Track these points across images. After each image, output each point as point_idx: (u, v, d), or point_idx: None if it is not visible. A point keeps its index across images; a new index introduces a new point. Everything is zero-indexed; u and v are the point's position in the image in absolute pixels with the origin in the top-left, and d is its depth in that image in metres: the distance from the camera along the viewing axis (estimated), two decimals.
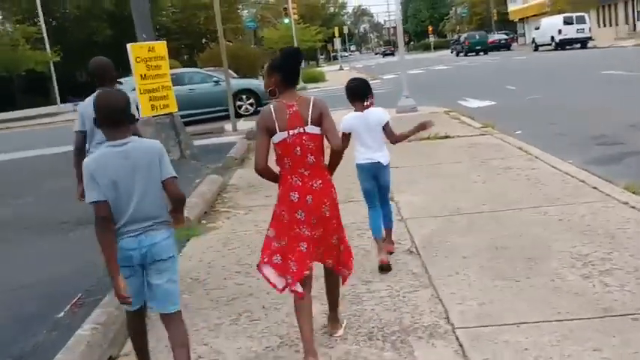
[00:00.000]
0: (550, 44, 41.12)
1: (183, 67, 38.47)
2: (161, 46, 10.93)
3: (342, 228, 3.53)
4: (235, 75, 30.10)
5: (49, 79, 39.01)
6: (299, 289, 3.30)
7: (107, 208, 2.91)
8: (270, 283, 3.41)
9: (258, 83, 20.06)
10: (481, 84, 20.52)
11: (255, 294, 4.39)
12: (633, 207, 5.42)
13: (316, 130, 3.32)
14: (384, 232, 4.85)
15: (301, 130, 3.28)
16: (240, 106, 19.30)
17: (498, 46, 54.30)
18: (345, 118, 4.50)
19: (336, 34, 50.96)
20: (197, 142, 12.51)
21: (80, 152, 4.44)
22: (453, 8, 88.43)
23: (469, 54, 51.88)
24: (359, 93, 4.61)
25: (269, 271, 3.39)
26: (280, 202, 3.38)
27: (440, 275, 4.38)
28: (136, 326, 3.26)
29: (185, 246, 5.73)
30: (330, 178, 3.45)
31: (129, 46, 10.53)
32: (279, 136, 3.28)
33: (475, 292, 4.03)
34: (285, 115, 3.27)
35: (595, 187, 6.23)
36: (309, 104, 3.33)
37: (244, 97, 19.33)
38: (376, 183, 4.70)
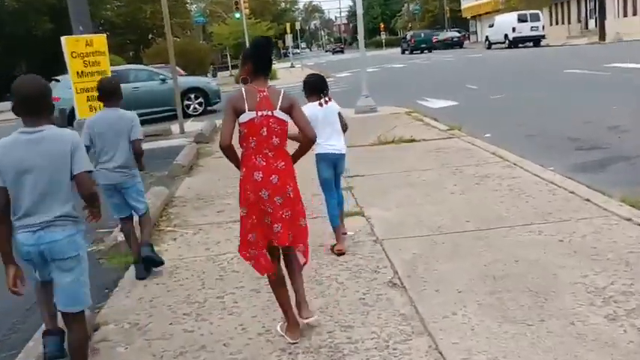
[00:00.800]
0: (503, 42, 41.22)
1: (128, 63, 36.97)
2: (100, 40, 9.88)
3: (304, 210, 3.66)
4: (183, 72, 28.95)
5: None
6: (267, 261, 3.46)
7: (5, 195, 2.82)
8: (255, 268, 3.56)
9: (207, 81, 19.06)
10: (440, 83, 19.98)
11: (208, 346, 3.55)
12: (639, 225, 4.81)
13: (284, 116, 3.45)
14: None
15: (269, 112, 3.41)
16: (188, 106, 18.26)
17: (451, 44, 54.45)
18: (306, 106, 4.54)
19: (288, 30, 49.99)
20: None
21: None
22: (405, 5, 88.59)
23: (415, 52, 51.99)
24: (317, 88, 4.79)
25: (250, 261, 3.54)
26: (244, 181, 3.44)
27: (434, 316, 3.63)
28: (44, 297, 3.15)
29: (123, 277, 4.83)
30: (291, 161, 3.54)
31: (63, 39, 9.45)
32: (246, 116, 3.38)
33: (482, 341, 3.29)
34: (256, 98, 3.40)
35: (588, 200, 5.61)
36: (280, 94, 3.49)
37: (193, 96, 18.29)
38: (334, 171, 4.93)
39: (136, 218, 4.92)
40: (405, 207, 6.06)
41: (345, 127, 5.06)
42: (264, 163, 3.39)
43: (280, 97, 3.47)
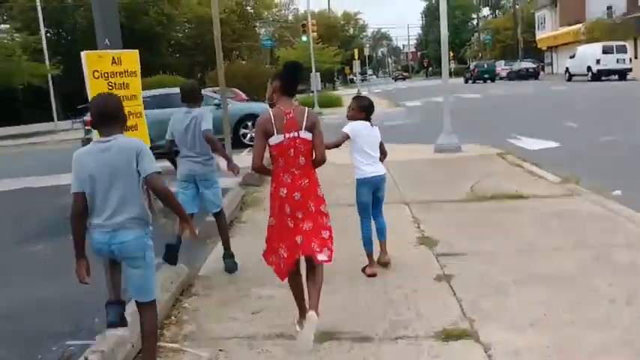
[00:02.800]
0: (586, 74, 38.07)
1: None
2: (131, 57, 8.10)
3: (330, 225, 3.86)
4: (245, 97, 27.45)
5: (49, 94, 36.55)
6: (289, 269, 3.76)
7: (83, 199, 3.15)
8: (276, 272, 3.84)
9: (265, 107, 17.24)
10: (530, 118, 17.32)
11: None
12: None
13: (308, 135, 3.74)
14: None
15: (296, 134, 3.69)
16: (244, 135, 16.49)
17: (526, 75, 51.41)
18: (353, 123, 4.84)
19: (356, 57, 48.28)
20: None
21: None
22: (476, 34, 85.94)
23: (477, 81, 51.62)
24: (367, 110, 4.91)
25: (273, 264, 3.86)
26: (272, 197, 3.80)
27: None
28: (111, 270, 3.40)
29: None
30: (317, 178, 3.84)
31: (83, 54, 7.74)
32: (276, 139, 3.69)
33: None
34: (283, 121, 3.69)
35: None
36: (304, 113, 3.75)
37: (250, 123, 16.46)
38: (373, 197, 4.98)
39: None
40: (546, 328, 3.84)
41: (384, 155, 5.08)
42: (290, 181, 3.70)
43: (305, 117, 3.71)
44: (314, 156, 3.80)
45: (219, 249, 5.85)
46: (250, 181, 9.25)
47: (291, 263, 3.73)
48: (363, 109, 4.84)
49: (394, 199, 7.71)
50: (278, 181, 3.74)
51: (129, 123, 7.84)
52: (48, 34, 50.51)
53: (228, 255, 5.44)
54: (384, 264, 5.05)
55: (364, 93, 46.66)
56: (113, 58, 7.93)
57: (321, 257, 3.70)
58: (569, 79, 40.38)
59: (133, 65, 8.18)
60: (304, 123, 3.69)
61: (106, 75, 7.80)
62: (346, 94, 45.94)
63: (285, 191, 3.69)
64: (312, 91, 31.60)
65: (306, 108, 3.81)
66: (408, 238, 5.97)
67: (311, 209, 3.72)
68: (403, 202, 7.53)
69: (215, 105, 16.28)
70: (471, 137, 13.02)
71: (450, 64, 68.44)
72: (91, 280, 3.23)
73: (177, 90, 14.02)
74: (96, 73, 7.73)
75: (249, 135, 16.45)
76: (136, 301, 3.34)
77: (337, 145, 4.81)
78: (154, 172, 3.12)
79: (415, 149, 12.64)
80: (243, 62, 50.14)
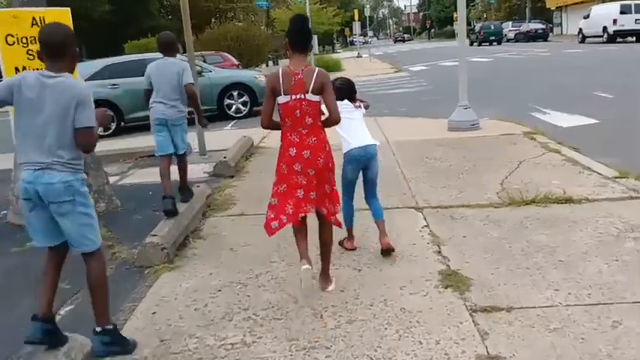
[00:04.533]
0: (601, 36, 35.82)
1: (184, 50, 33.73)
2: (60, 18, 6.26)
3: (334, 179, 3.96)
4: (236, 62, 25.40)
5: None
6: (292, 220, 3.77)
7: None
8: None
9: (253, 75, 15.22)
10: (554, 87, 15.19)
11: None
12: None
13: (316, 97, 3.72)
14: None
15: (302, 96, 3.70)
16: (229, 106, 14.60)
17: (534, 37, 48.91)
18: (341, 104, 4.30)
19: (356, 18, 45.92)
20: (136, 178, 7.90)
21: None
22: None
23: (483, 44, 48.90)
24: (345, 93, 4.52)
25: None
26: (280, 158, 3.83)
27: None
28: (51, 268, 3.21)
29: None
30: (325, 135, 3.83)
31: None
32: (283, 98, 3.73)
33: None
34: (291, 81, 3.69)
35: None
36: (314, 75, 3.70)
37: (236, 93, 14.56)
38: (364, 176, 4.60)
39: None
40: None
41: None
42: (298, 140, 3.74)
43: (314, 78, 3.69)
44: (328, 117, 3.84)
45: (160, 284, 4.12)
46: (223, 172, 7.46)
47: (296, 220, 3.78)
48: (338, 92, 4.22)
49: (403, 201, 5.94)
50: (286, 140, 3.79)
51: None
52: None
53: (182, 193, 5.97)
54: (387, 251, 4.49)
55: (364, 56, 44.53)
56: (34, 18, 6.06)
57: (322, 210, 3.87)
58: (582, 41, 38.12)
59: None
60: (312, 85, 3.70)
61: (24, 41, 5.96)
62: (346, 57, 43.75)
63: (294, 150, 3.74)
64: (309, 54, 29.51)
65: (317, 69, 3.78)
66: (426, 271, 4.22)
67: (320, 164, 3.76)
68: (415, 207, 5.76)
69: (197, 73, 14.37)
70: (488, 109, 11.18)
71: (453, 26, 66.44)
72: None
73: (155, 55, 11.91)
74: (10, 38, 5.84)
75: (234, 106, 14.57)
76: (81, 253, 3.20)
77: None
78: (87, 127, 3.02)
79: (424, 125, 10.80)
80: (239, 24, 47.82)
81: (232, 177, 7.40)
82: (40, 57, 3.13)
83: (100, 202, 6.18)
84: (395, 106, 14.33)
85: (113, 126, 13.70)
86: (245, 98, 14.63)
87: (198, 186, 6.41)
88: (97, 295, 3.18)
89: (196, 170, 7.85)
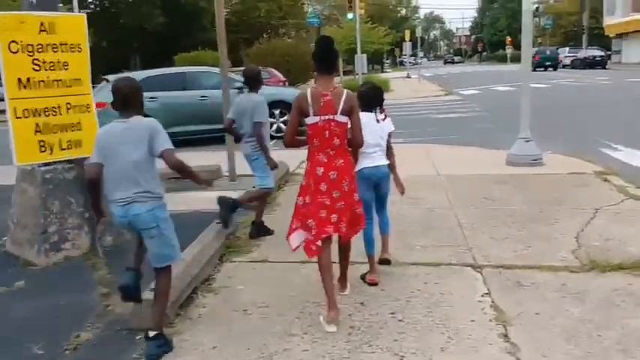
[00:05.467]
0: None
1: (233, 65, 33.42)
2: (73, 24, 5.52)
3: (359, 201, 4.00)
4: (282, 78, 24.78)
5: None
6: (315, 246, 3.77)
7: (99, 170, 3.45)
8: (291, 245, 3.93)
9: (296, 94, 14.47)
10: (621, 119, 13.88)
11: None
12: None
13: (344, 119, 3.75)
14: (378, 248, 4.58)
15: (331, 117, 3.71)
16: (271, 125, 13.81)
17: (592, 64, 47.15)
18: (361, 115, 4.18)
19: (407, 38, 44.94)
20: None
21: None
22: (536, 19, 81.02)
23: (538, 69, 46.65)
24: (371, 103, 4.42)
25: (293, 235, 3.91)
26: (308, 175, 3.85)
27: None
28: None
29: None
30: (351, 159, 3.90)
31: None
32: (311, 119, 3.73)
33: None
34: (320, 102, 3.71)
35: None
36: (342, 96, 3.74)
37: (277, 112, 13.79)
38: (375, 193, 4.50)
39: None
40: None
41: (390, 152, 4.57)
42: (326, 161, 3.75)
43: (342, 101, 3.72)
44: (352, 141, 3.85)
45: None
46: (253, 205, 6.58)
47: (319, 237, 3.76)
48: (360, 98, 4.20)
49: (458, 256, 4.95)
50: (314, 160, 3.80)
51: (61, 120, 5.33)
52: (92, 6, 49.34)
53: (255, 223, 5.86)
54: (384, 261, 4.65)
55: (414, 76, 43.43)
56: (42, 24, 5.33)
57: (350, 234, 4.00)
58: None
59: (76, 36, 5.55)
60: (341, 106, 3.72)
61: (30, 49, 5.21)
62: (395, 77, 42.72)
63: (321, 170, 3.75)
64: (357, 74, 28.62)
65: (345, 90, 3.80)
66: None
67: (344, 188, 3.79)
68: (473, 265, 4.76)
69: (237, 88, 13.66)
70: (550, 142, 10.07)
71: (506, 50, 65.23)
72: None
73: (194, 69, 11.14)
74: (14, 46, 5.05)
75: (275, 125, 13.79)
76: (154, 267, 3.58)
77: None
78: (168, 149, 3.38)
79: (479, 157, 9.76)
80: (289, 40, 47.54)
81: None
82: (113, 106, 3.50)
83: (107, 236, 5.39)
84: (446, 132, 13.30)
85: None
86: (287, 117, 13.82)
87: (218, 222, 5.54)
88: (159, 303, 3.55)
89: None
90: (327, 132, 3.71)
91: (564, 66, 49.61)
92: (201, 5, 46.24)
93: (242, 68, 25.06)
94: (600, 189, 7.14)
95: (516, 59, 71.02)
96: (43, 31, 5.18)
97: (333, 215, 3.76)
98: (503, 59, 76.93)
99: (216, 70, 12.53)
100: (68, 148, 5.38)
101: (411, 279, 4.44)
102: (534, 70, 47.32)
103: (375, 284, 4.39)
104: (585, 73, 39.00)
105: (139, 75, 14.05)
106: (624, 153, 9.69)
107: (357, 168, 4.28)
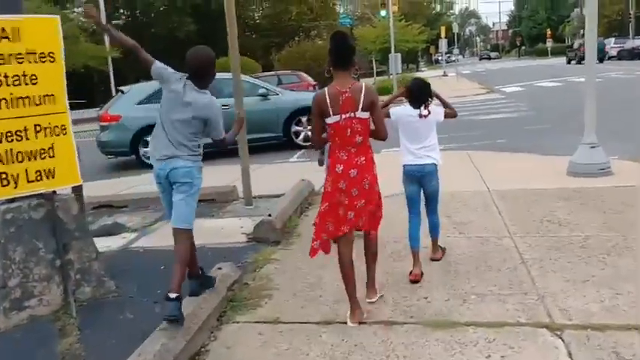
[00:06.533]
0: None
1: (263, 69, 32.57)
2: (43, 28, 4.56)
3: (381, 199, 3.93)
4: (313, 82, 23.75)
5: (105, 77, 34.27)
6: (328, 245, 3.80)
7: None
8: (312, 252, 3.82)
9: None
10: None
11: None
12: None
13: (366, 115, 3.66)
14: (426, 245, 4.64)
15: (352, 114, 3.62)
16: (297, 133, 12.79)
17: (639, 55, 44.88)
18: (397, 108, 4.47)
19: (442, 35, 43.46)
20: (157, 237, 6.13)
21: None
22: (576, 9, 78.21)
23: (582, 62, 43.98)
24: (415, 94, 4.42)
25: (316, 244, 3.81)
26: (329, 172, 3.78)
27: None
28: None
29: None
30: (373, 156, 3.79)
31: None
32: (332, 119, 3.64)
33: None
34: (339, 101, 3.61)
35: None
36: (362, 92, 3.62)
37: (304, 119, 12.70)
38: (419, 189, 4.47)
39: None
40: None
41: (451, 113, 4.59)
42: (346, 158, 3.66)
43: (362, 96, 3.61)
44: (376, 134, 3.78)
45: None
46: (265, 235, 5.54)
47: (334, 235, 3.75)
48: (408, 92, 4.39)
49: (526, 310, 3.79)
50: (334, 157, 3.72)
51: (37, 144, 4.36)
52: (123, 17, 49.38)
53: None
54: (435, 259, 4.65)
55: (451, 74, 41.89)
56: (3, 29, 4.39)
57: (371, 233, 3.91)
58: None
59: (48, 43, 4.54)
60: (361, 102, 3.62)
61: None
62: (431, 76, 41.23)
63: (341, 168, 3.67)
64: (391, 74, 27.41)
65: (364, 85, 3.68)
66: None
67: (365, 187, 3.69)
68: (548, 325, 3.59)
69: (261, 95, 12.65)
70: (613, 145, 8.70)
71: (546, 43, 63.36)
72: None
73: (225, 75, 9.82)
74: None
75: (302, 134, 12.74)
76: (173, 229, 3.81)
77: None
78: (220, 139, 3.94)
79: (534, 165, 8.50)
80: (320, 42, 46.54)
81: (278, 243, 5.47)
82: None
83: (85, 286, 4.38)
84: (491, 135, 12.04)
85: None
86: None
87: (219, 267, 4.48)
88: (178, 268, 3.70)
89: (233, 230, 5.99)
90: (349, 130, 3.62)
91: (610, 57, 47.32)
92: None
93: (272, 73, 24.19)
94: None
95: (557, 52, 68.97)
96: (4, 38, 4.22)
97: (350, 212, 3.69)
98: (543, 53, 74.51)
99: (244, 77, 11.52)
100: (37, 180, 4.38)
101: (468, 350, 3.31)
102: (578, 63, 45.39)
103: (417, 281, 4.34)
104: (633, 64, 36.86)
105: (153, 85, 13.17)
106: None
107: (402, 163, 4.44)
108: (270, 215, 5.65)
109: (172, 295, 3.51)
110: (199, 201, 6.43)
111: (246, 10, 55.72)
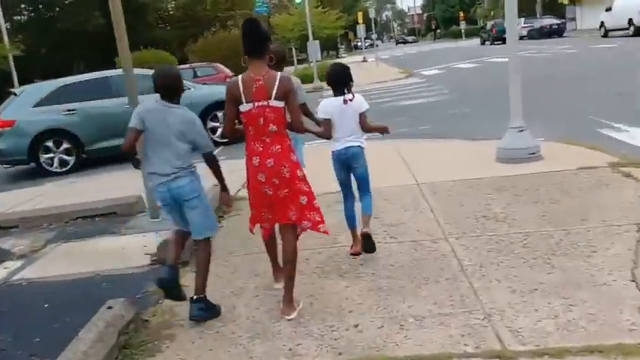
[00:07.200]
0: (626, 29, 32.99)
1: (179, 62, 31.14)
2: None
3: (310, 188, 3.74)
4: (231, 74, 22.80)
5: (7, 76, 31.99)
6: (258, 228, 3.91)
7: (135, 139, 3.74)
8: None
9: None
10: (610, 92, 12.03)
11: None
12: None
13: (279, 103, 3.56)
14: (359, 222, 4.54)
15: (265, 103, 3.53)
16: (214, 130, 11.96)
17: (549, 33, 46.07)
18: (322, 104, 4.48)
19: (360, 20, 43.25)
20: (45, 266, 5.29)
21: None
22: None
23: (495, 42, 45.99)
24: (340, 81, 4.41)
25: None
26: (247, 166, 3.71)
27: None
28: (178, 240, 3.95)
29: None
30: (290, 145, 3.68)
31: None
32: (245, 107, 3.56)
33: None
34: (252, 88, 3.53)
35: None
36: (276, 80, 3.54)
37: (220, 114, 11.86)
38: (348, 173, 4.55)
39: None
40: None
41: (366, 128, 4.48)
42: (262, 149, 3.58)
43: (276, 85, 3.53)
44: (292, 123, 3.71)
45: None
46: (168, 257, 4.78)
47: (272, 227, 3.85)
48: (327, 79, 4.48)
49: (471, 333, 3.25)
50: (250, 149, 3.65)
51: None
52: (25, 12, 46.52)
53: None
54: (364, 235, 4.42)
55: (370, 60, 41.73)
56: None
57: (305, 224, 3.71)
58: (605, 35, 35.35)
59: None
60: (275, 90, 3.54)
61: None
62: (351, 62, 40.87)
63: (257, 160, 3.60)
64: (311, 62, 26.82)
65: (279, 74, 3.61)
66: None
67: (285, 174, 3.59)
68: (500, 354, 3.05)
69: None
70: (538, 127, 8.42)
71: (459, 25, 64.75)
72: None
73: (116, 72, 9.87)
74: None
75: (219, 130, 11.91)
76: (195, 240, 3.90)
77: (325, 135, 4.47)
78: (209, 152, 3.82)
79: (462, 153, 8.11)
80: (237, 32, 45.37)
81: (187, 264, 4.74)
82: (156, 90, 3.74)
83: None
84: (415, 122, 11.62)
85: (71, 161, 11.11)
86: None
87: (110, 307, 3.70)
88: (200, 272, 3.82)
89: (135, 250, 5.20)
90: (261, 119, 3.55)
91: (521, 37, 48.49)
92: (143, 1, 43.93)
93: (187, 66, 23.03)
94: (626, 189, 5.54)
95: (471, 34, 70.43)
96: None
97: (264, 212, 3.73)
98: (457, 35, 75.98)
99: (146, 71, 10.56)
100: None
101: None
102: (492, 44, 46.41)
103: (358, 254, 4.54)
104: (543, 43, 37.79)
105: (50, 85, 12.01)
106: (630, 134, 8.13)
107: (332, 149, 4.51)
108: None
109: (195, 297, 3.75)
110: (98, 215, 6.30)
111: (159, 2, 53.73)
